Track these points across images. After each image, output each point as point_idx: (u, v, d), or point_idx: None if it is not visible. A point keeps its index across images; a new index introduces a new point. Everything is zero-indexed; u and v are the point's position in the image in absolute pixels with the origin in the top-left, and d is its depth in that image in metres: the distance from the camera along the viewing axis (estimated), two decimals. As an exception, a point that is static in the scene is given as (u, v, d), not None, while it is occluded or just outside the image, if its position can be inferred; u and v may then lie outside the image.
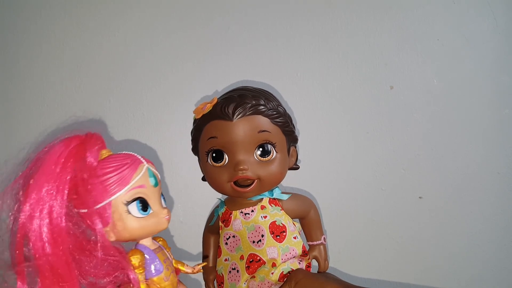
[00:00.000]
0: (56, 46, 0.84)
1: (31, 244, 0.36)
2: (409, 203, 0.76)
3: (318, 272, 0.59)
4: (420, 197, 0.76)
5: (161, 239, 0.47)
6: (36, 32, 0.84)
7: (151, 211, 0.42)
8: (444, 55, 0.75)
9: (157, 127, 0.81)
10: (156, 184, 0.43)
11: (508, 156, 0.74)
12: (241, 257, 0.54)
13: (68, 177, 0.37)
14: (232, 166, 0.53)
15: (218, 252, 0.58)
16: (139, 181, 0.41)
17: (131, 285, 0.40)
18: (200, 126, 0.55)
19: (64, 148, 0.38)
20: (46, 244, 0.36)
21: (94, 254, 0.38)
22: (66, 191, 0.37)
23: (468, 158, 0.75)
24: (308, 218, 0.59)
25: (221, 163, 0.54)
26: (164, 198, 0.46)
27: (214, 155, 0.54)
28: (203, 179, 0.59)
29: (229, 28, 0.80)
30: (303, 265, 0.54)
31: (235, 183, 0.53)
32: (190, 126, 0.57)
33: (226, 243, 0.56)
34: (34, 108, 0.84)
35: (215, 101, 0.53)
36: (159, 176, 0.45)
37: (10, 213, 0.37)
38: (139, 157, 0.44)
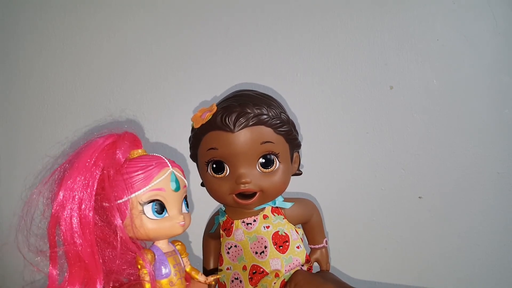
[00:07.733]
0: (56, 46, 0.84)
1: (61, 231, 0.39)
2: (408, 203, 0.76)
3: (320, 271, 0.59)
4: (419, 197, 0.76)
5: (180, 243, 0.47)
6: (36, 32, 0.84)
7: (166, 215, 0.43)
8: (444, 55, 0.75)
9: (157, 127, 0.81)
10: (177, 189, 0.44)
11: (508, 156, 0.74)
12: (244, 268, 0.53)
13: (98, 172, 0.40)
14: (234, 178, 0.50)
15: (219, 260, 0.56)
16: (159, 184, 0.42)
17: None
18: (199, 135, 0.52)
19: (99, 145, 0.41)
20: (75, 232, 0.38)
21: (115, 246, 0.40)
22: (95, 185, 0.40)
23: (468, 158, 0.75)
24: (310, 222, 0.58)
25: (222, 175, 0.51)
26: (187, 204, 0.46)
27: (214, 166, 0.51)
28: (202, 184, 0.56)
29: (229, 29, 0.79)
30: (304, 270, 0.54)
31: (237, 194, 0.51)
32: (190, 127, 0.56)
33: (228, 252, 0.54)
34: (35, 109, 0.84)
35: (215, 109, 0.50)
36: (185, 182, 0.45)
37: (46, 202, 0.41)
38: (167, 160, 0.44)
